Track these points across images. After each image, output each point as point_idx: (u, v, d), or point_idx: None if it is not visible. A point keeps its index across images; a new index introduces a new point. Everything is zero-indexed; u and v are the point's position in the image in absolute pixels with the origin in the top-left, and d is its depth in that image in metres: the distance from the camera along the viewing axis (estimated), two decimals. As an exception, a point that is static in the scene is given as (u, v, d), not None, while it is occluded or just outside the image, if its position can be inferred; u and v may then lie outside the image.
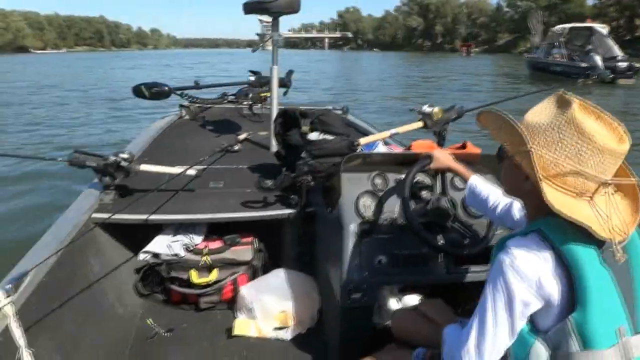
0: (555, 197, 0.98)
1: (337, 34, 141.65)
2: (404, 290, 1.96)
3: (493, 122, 1.13)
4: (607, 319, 0.96)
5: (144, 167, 2.25)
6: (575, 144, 0.98)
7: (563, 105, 1.02)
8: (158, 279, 2.29)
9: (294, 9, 2.71)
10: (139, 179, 2.29)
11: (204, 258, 2.27)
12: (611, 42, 21.28)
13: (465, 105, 2.64)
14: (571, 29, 23.35)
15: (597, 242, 0.99)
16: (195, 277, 2.24)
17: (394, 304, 1.92)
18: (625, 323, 0.98)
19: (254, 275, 2.37)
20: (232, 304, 2.30)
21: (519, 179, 1.07)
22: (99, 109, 13.16)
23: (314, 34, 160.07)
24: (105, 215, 2.06)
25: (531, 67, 25.13)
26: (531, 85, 19.81)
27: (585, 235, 0.97)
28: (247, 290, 2.22)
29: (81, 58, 57.27)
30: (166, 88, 3.21)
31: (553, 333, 0.99)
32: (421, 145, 2.12)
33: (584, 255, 0.97)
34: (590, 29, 22.21)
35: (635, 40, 48.66)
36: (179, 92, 3.58)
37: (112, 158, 2.15)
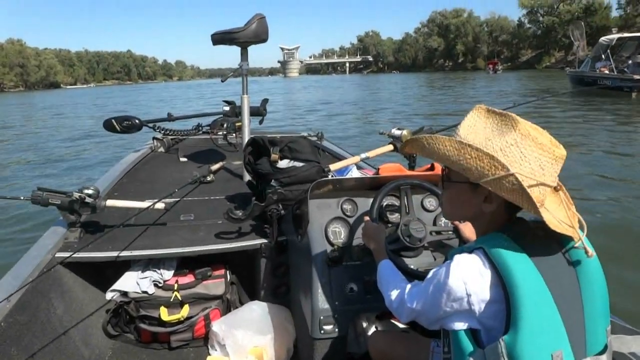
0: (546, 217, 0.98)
1: (358, 58, 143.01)
2: (381, 317, 1.87)
3: (449, 147, 1.01)
4: (541, 343, 0.91)
5: (111, 202, 2.17)
6: (537, 157, 0.97)
7: (503, 119, 1.00)
8: (127, 318, 2.20)
9: (261, 38, 2.67)
10: (106, 215, 2.23)
11: (174, 294, 2.18)
12: None
13: (434, 125, 2.55)
14: (618, 39, 20.90)
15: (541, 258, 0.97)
16: (165, 314, 2.15)
17: (371, 331, 1.83)
18: (564, 348, 0.93)
19: (227, 309, 2.28)
20: (205, 340, 2.22)
21: (476, 202, 1.04)
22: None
23: (334, 59, 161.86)
24: (70, 254, 1.98)
25: (575, 82, 22.47)
26: (581, 102, 17.82)
27: (529, 254, 0.95)
28: (219, 326, 2.12)
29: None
30: (137, 121, 3.19)
31: (488, 351, 0.96)
32: (389, 169, 2.04)
33: (523, 275, 0.93)
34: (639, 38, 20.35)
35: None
36: (150, 124, 3.56)
37: (77, 194, 2.07)
